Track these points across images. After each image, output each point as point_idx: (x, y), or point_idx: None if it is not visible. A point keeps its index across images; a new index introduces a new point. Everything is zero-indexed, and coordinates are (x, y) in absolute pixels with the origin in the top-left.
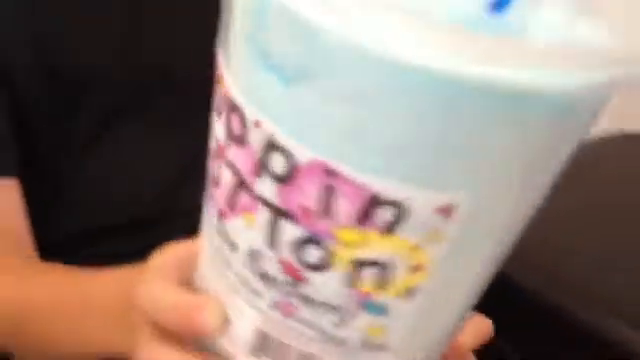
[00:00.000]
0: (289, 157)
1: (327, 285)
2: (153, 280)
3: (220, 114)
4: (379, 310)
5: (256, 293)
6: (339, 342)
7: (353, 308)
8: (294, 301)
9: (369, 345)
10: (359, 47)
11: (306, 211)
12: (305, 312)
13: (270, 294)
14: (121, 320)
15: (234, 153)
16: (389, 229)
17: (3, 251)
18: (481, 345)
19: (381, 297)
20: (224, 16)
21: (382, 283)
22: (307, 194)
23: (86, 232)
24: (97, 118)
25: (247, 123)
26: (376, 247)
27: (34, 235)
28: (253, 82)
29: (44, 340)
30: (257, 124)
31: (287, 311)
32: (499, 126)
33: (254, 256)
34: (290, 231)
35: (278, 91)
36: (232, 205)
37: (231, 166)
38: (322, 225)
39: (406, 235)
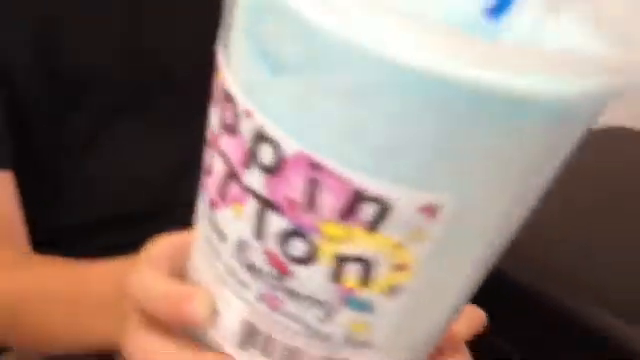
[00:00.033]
0: (277, 148)
1: (311, 279)
2: (144, 269)
3: (216, 104)
4: (362, 306)
5: (243, 285)
6: (324, 337)
7: (336, 303)
8: (280, 294)
9: (353, 341)
10: (352, 45)
11: (292, 203)
12: (290, 306)
13: (256, 286)
14: (116, 310)
15: (226, 142)
16: (372, 226)
17: None
18: (474, 336)
19: (364, 293)
20: (225, 12)
21: (366, 280)
22: (293, 186)
23: (84, 226)
24: (97, 117)
25: (239, 113)
26: (360, 243)
27: (32, 229)
28: (247, 73)
29: (41, 331)
30: (248, 114)
31: (273, 304)
32: (492, 130)
33: (242, 247)
34: (276, 223)
35: (268, 82)
36: (223, 195)
37: (223, 155)
38: (307, 218)
39: (389, 233)
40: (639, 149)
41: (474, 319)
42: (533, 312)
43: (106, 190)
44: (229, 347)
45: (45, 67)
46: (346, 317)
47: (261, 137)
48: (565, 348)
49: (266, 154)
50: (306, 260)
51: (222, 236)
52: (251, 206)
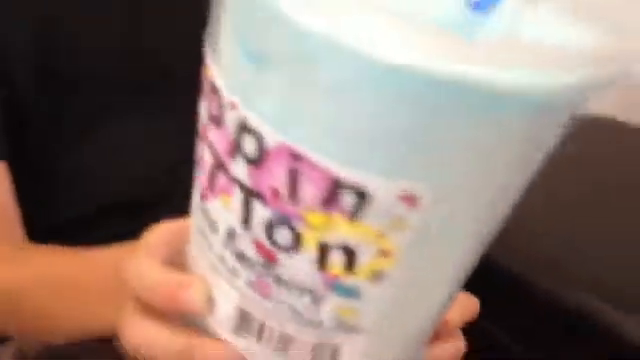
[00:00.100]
0: (259, 139)
1: (298, 267)
2: (141, 257)
3: (204, 97)
4: (349, 292)
5: (234, 273)
6: (316, 324)
7: (323, 290)
8: (269, 282)
9: (344, 327)
10: (330, 41)
11: (275, 193)
12: (280, 293)
13: (247, 274)
14: (115, 297)
15: (213, 134)
16: (353, 214)
17: None
18: (467, 323)
19: (350, 280)
20: (213, 6)
21: (350, 267)
22: (276, 177)
23: (83, 218)
24: (97, 117)
25: (224, 104)
26: (342, 231)
27: (31, 223)
28: (231, 67)
29: (40, 317)
30: (232, 105)
31: (264, 292)
32: (471, 123)
33: (231, 236)
34: (262, 212)
35: (251, 76)
36: (212, 186)
37: (211, 147)
38: (291, 207)
39: (370, 221)
40: (629, 141)
41: (467, 307)
42: (523, 299)
43: (105, 183)
44: (225, 334)
45: (45, 67)
46: (334, 303)
47: (244, 128)
48: (554, 333)
49: (249, 145)
50: (292, 248)
51: (213, 226)
52: (238, 196)
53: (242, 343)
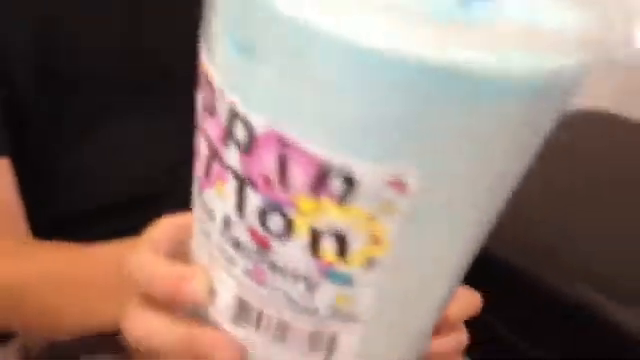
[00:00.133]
0: (249, 127)
1: (291, 253)
2: (143, 251)
3: (200, 89)
4: (343, 280)
5: (231, 261)
6: (312, 311)
7: (317, 277)
8: (264, 269)
9: (340, 315)
10: (318, 31)
11: (266, 180)
12: (276, 280)
13: (243, 262)
14: (116, 293)
15: (208, 123)
16: (342, 199)
17: None
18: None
19: (343, 267)
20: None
21: (343, 253)
22: (265, 163)
23: (84, 214)
24: (96, 116)
25: (216, 93)
26: (332, 215)
27: (32, 220)
28: (222, 57)
29: (43, 313)
30: (223, 93)
31: (260, 279)
32: (468, 110)
33: (227, 224)
34: (254, 199)
35: (239, 64)
36: (208, 175)
37: (206, 136)
38: (282, 193)
39: (360, 205)
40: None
41: (470, 302)
42: (520, 291)
43: (105, 183)
44: (225, 324)
45: (45, 67)
46: (329, 290)
47: (235, 116)
48: (552, 324)
49: (240, 132)
50: (284, 234)
51: (210, 215)
52: (231, 184)
53: (241, 333)
